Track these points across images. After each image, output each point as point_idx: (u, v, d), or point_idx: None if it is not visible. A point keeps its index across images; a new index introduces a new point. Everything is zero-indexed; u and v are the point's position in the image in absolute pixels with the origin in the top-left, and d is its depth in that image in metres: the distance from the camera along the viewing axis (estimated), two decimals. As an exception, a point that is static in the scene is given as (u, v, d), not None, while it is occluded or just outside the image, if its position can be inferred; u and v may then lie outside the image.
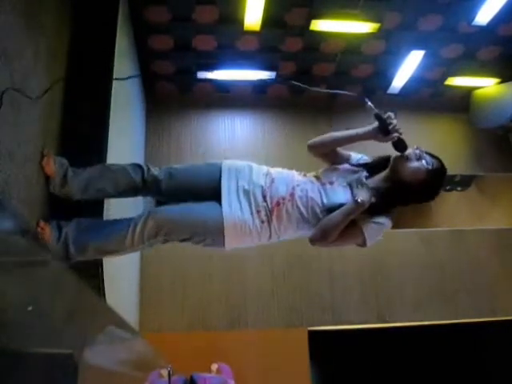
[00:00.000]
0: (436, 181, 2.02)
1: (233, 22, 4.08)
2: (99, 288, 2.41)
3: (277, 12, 3.98)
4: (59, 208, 2.15)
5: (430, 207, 7.00)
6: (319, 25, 4.13)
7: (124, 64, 3.50)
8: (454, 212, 7.11)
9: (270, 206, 1.99)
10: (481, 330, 5.10)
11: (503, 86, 4.99)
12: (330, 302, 4.66)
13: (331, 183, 2.06)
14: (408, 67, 4.77)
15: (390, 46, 4.52)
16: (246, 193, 2.02)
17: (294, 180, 2.07)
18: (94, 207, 2.28)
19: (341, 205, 1.96)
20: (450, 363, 5.55)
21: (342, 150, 2.20)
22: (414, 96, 5.34)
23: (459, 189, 6.48)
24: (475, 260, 5.02)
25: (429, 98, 5.45)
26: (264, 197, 2.01)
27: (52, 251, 1.83)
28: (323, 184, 2.06)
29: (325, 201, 2.00)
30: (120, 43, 3.08)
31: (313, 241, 2.02)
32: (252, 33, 4.20)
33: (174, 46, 4.41)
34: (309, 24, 4.12)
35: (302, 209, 2.00)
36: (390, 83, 5.04)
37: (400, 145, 1.98)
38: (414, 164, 1.98)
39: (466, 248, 5.05)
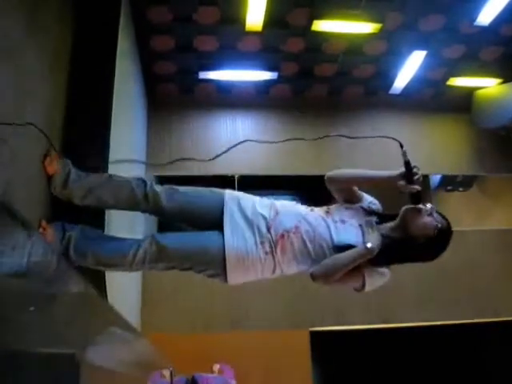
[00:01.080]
0: (441, 240, 1.99)
1: (234, 23, 4.08)
2: (101, 289, 2.41)
3: (278, 12, 3.98)
4: (61, 209, 2.15)
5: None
6: (321, 25, 4.13)
7: (126, 64, 3.50)
8: (455, 212, 7.09)
9: (274, 238, 1.95)
10: (483, 331, 5.09)
11: (505, 86, 4.98)
12: (331, 302, 4.66)
13: (343, 222, 2.03)
14: (410, 67, 4.77)
15: (391, 47, 4.52)
16: (250, 223, 1.98)
17: (300, 213, 2.03)
18: (96, 212, 2.28)
19: (350, 246, 1.94)
20: (452, 364, 5.54)
21: (356, 189, 2.16)
22: (415, 96, 5.34)
23: (461, 189, 6.47)
24: (477, 260, 5.02)
25: (431, 98, 5.44)
26: (268, 228, 1.97)
27: (56, 252, 1.83)
28: (335, 221, 2.02)
29: (335, 238, 1.97)
30: (122, 44, 3.08)
31: (314, 277, 1.98)
32: (254, 33, 4.19)
33: (176, 47, 4.41)
34: (311, 24, 4.12)
35: (308, 243, 1.97)
36: (391, 83, 5.04)
37: (416, 198, 1.96)
38: (425, 219, 1.95)
39: (467, 248, 5.04)
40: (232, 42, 4.36)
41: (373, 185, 2.16)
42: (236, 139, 5.18)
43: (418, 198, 1.95)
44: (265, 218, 1.99)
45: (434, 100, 5.46)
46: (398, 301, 4.74)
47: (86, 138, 2.49)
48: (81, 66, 2.61)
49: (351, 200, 2.15)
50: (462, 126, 5.53)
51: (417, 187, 1.93)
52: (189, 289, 4.51)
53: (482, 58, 4.77)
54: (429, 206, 1.98)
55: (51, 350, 0.76)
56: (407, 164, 1.94)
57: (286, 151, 5.12)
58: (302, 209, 2.09)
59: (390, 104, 5.29)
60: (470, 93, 5.30)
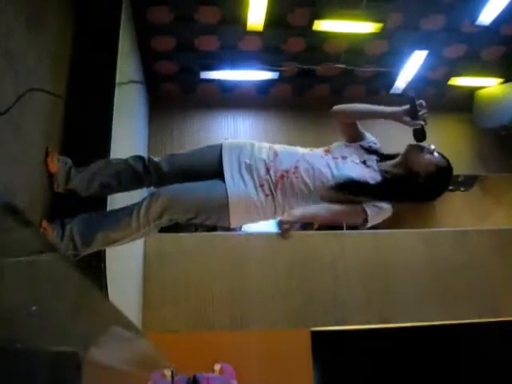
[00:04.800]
0: (442, 178, 2.04)
1: (235, 23, 4.09)
2: (102, 289, 2.41)
3: (280, 12, 3.99)
4: (62, 208, 2.16)
5: (433, 207, 6.99)
6: (322, 25, 4.13)
7: (127, 64, 3.50)
8: (457, 212, 7.09)
9: (273, 180, 1.96)
10: (483, 331, 5.09)
11: (506, 85, 4.98)
12: (332, 302, 4.66)
13: (344, 158, 2.05)
14: (411, 67, 4.77)
15: (392, 46, 4.52)
16: (249, 167, 1.99)
17: (299, 153, 2.06)
18: (97, 206, 2.28)
19: (352, 178, 1.97)
20: (453, 364, 5.54)
21: (360, 127, 2.20)
22: (417, 96, 5.33)
23: (462, 189, 6.47)
24: (478, 260, 5.01)
25: (432, 98, 5.42)
26: (267, 170, 1.98)
27: (59, 249, 1.83)
28: (335, 158, 2.05)
29: (335, 172, 1.98)
30: (123, 44, 3.08)
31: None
32: (255, 33, 4.20)
33: (177, 47, 4.42)
34: (311, 24, 4.12)
35: (308, 180, 1.97)
36: (393, 83, 5.04)
37: (420, 134, 1.98)
38: (427, 156, 2.00)
39: (468, 248, 5.04)
40: (233, 42, 4.37)
41: (378, 118, 2.26)
42: (237, 138, 5.20)
43: (421, 134, 1.98)
44: (263, 160, 2.01)
45: (435, 100, 5.45)
46: (398, 301, 4.74)
47: (86, 138, 2.49)
48: (81, 67, 2.61)
49: (354, 136, 2.18)
50: (463, 125, 5.53)
51: (421, 123, 1.96)
52: (189, 289, 4.51)
53: (483, 57, 4.77)
54: (431, 146, 2.02)
55: (53, 348, 0.77)
56: (412, 100, 1.99)
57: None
58: (301, 149, 2.11)
59: (391, 104, 5.25)
60: (471, 92, 5.30)
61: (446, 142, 5.46)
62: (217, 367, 3.59)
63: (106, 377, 0.99)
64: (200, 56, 4.55)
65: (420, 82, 5.05)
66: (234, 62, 4.66)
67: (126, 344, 1.32)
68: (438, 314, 4.79)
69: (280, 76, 4.87)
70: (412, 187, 2.02)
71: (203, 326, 4.43)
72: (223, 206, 1.93)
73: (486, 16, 4.05)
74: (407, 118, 1.99)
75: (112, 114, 2.65)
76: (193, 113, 5.20)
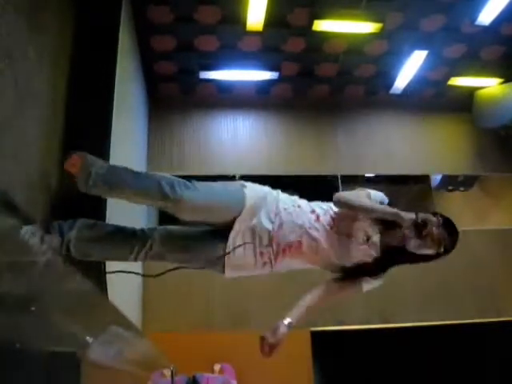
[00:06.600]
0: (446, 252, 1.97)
1: (235, 23, 4.09)
2: (102, 289, 2.41)
3: (279, 12, 3.98)
4: (60, 208, 2.15)
5: (433, 207, 6.98)
6: (322, 25, 4.13)
7: (126, 64, 3.50)
8: (457, 212, 7.09)
9: (275, 251, 1.97)
10: (484, 331, 5.08)
11: (506, 85, 4.98)
12: (332, 302, 4.65)
13: (349, 236, 1.96)
14: (410, 67, 4.77)
15: (392, 46, 4.52)
16: (253, 234, 1.97)
17: (304, 226, 1.95)
18: (96, 209, 2.27)
19: (354, 264, 1.97)
20: (453, 364, 5.53)
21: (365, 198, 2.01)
22: (416, 96, 5.33)
23: (462, 189, 6.47)
24: (478, 260, 5.01)
25: (431, 98, 5.44)
26: (271, 240, 1.95)
27: (56, 251, 1.83)
28: (340, 234, 1.95)
29: (339, 253, 1.96)
30: (122, 43, 3.08)
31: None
32: (254, 33, 4.20)
33: (177, 47, 4.41)
34: (311, 24, 4.12)
35: (310, 255, 1.99)
36: (392, 83, 5.04)
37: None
38: (425, 250, 1.92)
39: (468, 248, 5.04)
40: (233, 42, 4.37)
41: (383, 218, 1.98)
42: (237, 138, 5.21)
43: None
44: (268, 230, 1.96)
45: (434, 100, 5.46)
46: (398, 301, 4.74)
47: (86, 138, 2.49)
48: (81, 66, 2.61)
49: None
50: (462, 125, 5.53)
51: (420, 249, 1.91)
52: (190, 289, 4.51)
53: (483, 57, 4.77)
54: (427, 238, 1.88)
55: (52, 348, 0.77)
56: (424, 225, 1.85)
57: (287, 151, 5.12)
58: (307, 219, 1.98)
59: (390, 104, 5.29)
60: (470, 92, 5.30)
61: (445, 142, 5.47)
62: (217, 367, 3.60)
63: (105, 376, 0.99)
64: (200, 56, 4.55)
65: (419, 82, 5.05)
66: (233, 62, 4.66)
67: (126, 344, 1.32)
68: (439, 313, 4.79)
69: (280, 76, 4.87)
70: (415, 258, 1.98)
71: (203, 326, 4.43)
72: (219, 266, 2.00)
73: (486, 16, 4.05)
74: (408, 230, 1.86)
75: (112, 114, 2.65)
76: (192, 113, 5.20)
